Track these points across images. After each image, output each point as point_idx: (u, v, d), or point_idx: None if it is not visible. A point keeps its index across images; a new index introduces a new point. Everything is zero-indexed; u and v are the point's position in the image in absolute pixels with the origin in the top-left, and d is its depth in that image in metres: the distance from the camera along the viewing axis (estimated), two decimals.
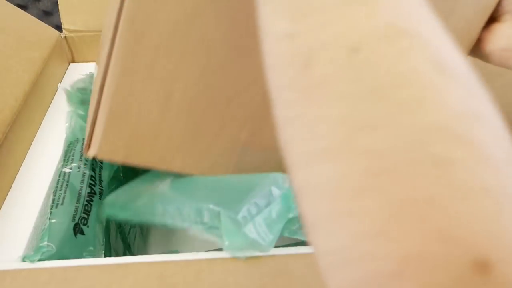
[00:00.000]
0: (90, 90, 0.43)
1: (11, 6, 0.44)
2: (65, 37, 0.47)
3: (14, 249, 0.32)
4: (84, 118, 0.44)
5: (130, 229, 0.46)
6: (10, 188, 0.36)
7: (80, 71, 0.47)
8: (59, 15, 0.46)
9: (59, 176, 0.36)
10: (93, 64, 0.49)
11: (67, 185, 0.36)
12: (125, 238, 0.45)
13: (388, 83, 0.12)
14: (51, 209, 0.34)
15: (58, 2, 0.47)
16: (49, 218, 0.34)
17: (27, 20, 0.45)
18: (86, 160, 0.38)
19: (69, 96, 0.42)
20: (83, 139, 0.39)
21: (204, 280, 0.26)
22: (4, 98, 0.37)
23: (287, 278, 0.26)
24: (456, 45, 0.14)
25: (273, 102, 0.15)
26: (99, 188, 0.38)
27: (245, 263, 0.27)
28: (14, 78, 0.39)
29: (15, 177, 0.37)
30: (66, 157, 0.37)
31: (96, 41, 0.48)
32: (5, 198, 0.35)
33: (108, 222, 0.41)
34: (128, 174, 0.48)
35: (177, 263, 0.28)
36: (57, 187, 0.35)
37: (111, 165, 0.41)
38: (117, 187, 0.44)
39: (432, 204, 0.11)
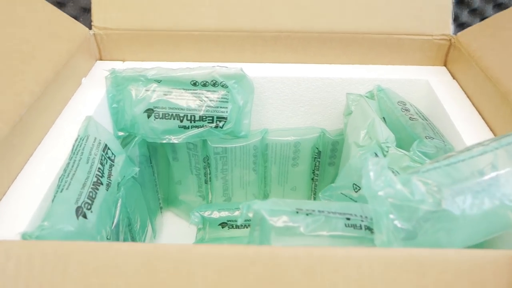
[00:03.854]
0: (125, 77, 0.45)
1: (44, 2, 0.46)
2: (93, 34, 0.48)
3: (16, 227, 0.31)
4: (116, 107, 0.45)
5: (139, 228, 0.46)
6: (22, 169, 0.36)
7: (105, 68, 0.48)
8: None
9: (67, 166, 0.36)
10: (119, 62, 0.50)
11: (74, 174, 0.35)
12: (134, 238, 0.44)
13: None
14: (55, 193, 0.34)
15: (92, 0, 0.48)
16: (53, 200, 0.34)
17: (58, 16, 0.46)
18: (95, 154, 0.38)
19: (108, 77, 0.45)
20: (95, 137, 0.39)
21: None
22: (25, 83, 0.38)
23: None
24: None
25: None
26: (107, 181, 0.37)
27: (246, 263, 0.26)
28: (38, 65, 0.40)
29: (28, 160, 0.37)
30: (76, 150, 0.37)
31: (124, 39, 0.49)
32: (15, 178, 0.35)
33: (118, 218, 0.40)
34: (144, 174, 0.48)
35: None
36: (63, 174, 0.35)
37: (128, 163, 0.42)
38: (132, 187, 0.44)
39: None
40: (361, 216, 0.31)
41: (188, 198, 0.56)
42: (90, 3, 0.47)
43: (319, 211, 0.30)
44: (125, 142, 0.49)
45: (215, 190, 0.54)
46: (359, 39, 0.47)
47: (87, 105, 0.43)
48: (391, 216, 0.27)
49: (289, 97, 0.49)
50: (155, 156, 0.52)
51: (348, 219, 0.30)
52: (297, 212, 0.30)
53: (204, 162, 0.51)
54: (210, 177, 0.53)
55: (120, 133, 0.48)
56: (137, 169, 0.44)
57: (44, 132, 0.40)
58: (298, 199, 0.56)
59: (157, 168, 0.54)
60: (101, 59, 0.51)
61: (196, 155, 0.52)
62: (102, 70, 0.47)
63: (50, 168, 0.36)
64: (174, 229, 0.56)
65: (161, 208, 0.56)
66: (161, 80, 0.45)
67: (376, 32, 0.47)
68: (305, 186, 0.55)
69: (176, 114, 0.46)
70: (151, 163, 0.51)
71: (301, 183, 0.55)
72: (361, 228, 0.30)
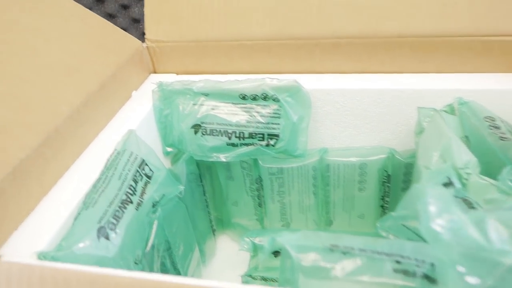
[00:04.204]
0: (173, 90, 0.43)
1: (95, 15, 0.45)
2: (147, 47, 0.47)
3: (37, 245, 0.30)
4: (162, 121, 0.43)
5: (182, 253, 0.42)
6: (55, 183, 0.35)
7: (157, 81, 0.46)
8: None
9: (98, 181, 0.34)
10: (173, 75, 0.48)
11: (103, 191, 0.33)
12: (174, 263, 0.41)
13: None
14: (80, 210, 0.32)
15: (145, 12, 0.47)
16: (76, 218, 0.32)
17: (110, 29, 0.45)
18: (129, 170, 0.35)
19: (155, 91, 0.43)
20: (132, 152, 0.37)
21: None
22: (65, 95, 0.37)
23: None
24: None
25: None
26: (138, 200, 0.35)
27: None
28: (81, 78, 0.39)
29: (63, 173, 0.35)
30: (110, 165, 0.35)
31: (176, 52, 0.47)
32: (47, 193, 0.34)
33: (153, 242, 0.37)
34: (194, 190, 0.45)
35: None
36: (92, 191, 0.33)
37: (168, 181, 0.39)
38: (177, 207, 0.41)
39: None
40: (416, 259, 0.24)
41: (244, 221, 0.52)
42: (140, 14, 0.46)
43: (360, 249, 0.24)
44: (175, 158, 0.47)
45: (271, 214, 0.49)
46: (435, 43, 0.40)
47: (132, 118, 0.42)
48: (460, 269, 0.20)
49: (352, 112, 0.43)
50: (207, 174, 0.49)
51: (398, 262, 0.24)
52: (332, 250, 0.24)
53: (257, 183, 0.47)
54: (264, 200, 0.48)
55: (169, 149, 0.45)
56: (181, 187, 0.41)
57: (84, 145, 0.38)
58: (366, 227, 0.49)
59: (209, 187, 0.50)
60: (155, 72, 0.49)
61: (250, 175, 0.47)
62: (154, 83, 0.46)
63: (81, 184, 0.34)
64: (228, 254, 0.52)
65: (214, 230, 0.53)
66: (208, 94, 0.42)
67: (456, 34, 0.40)
68: (374, 214, 0.48)
69: (224, 131, 0.42)
70: (201, 181, 0.48)
71: (369, 210, 0.48)
72: (415, 276, 0.23)
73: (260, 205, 0.49)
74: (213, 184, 0.51)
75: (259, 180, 0.46)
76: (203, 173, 0.48)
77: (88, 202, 0.33)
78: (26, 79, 0.36)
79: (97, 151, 0.38)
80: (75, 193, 0.34)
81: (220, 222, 0.54)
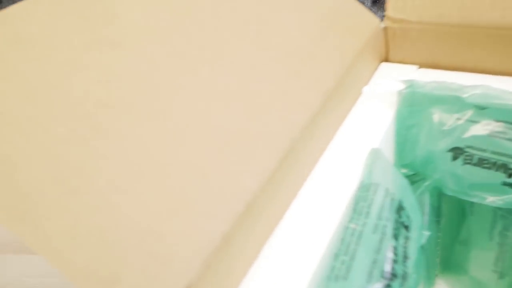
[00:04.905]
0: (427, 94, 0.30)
1: None
2: (384, 27, 0.35)
3: None
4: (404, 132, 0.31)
5: None
6: (276, 227, 0.25)
7: (393, 74, 0.34)
8: None
9: (345, 233, 0.23)
10: (414, 67, 0.36)
11: (355, 250, 0.23)
12: None
13: None
14: (327, 281, 0.22)
15: None
16: None
17: (348, 4, 0.34)
18: (387, 219, 0.24)
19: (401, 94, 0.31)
20: (387, 189, 0.25)
21: None
22: (301, 97, 0.27)
23: None
24: None
25: None
26: (403, 270, 0.23)
27: None
28: (317, 71, 0.28)
29: (286, 212, 0.25)
30: (358, 209, 0.24)
31: (425, 38, 0.34)
32: (265, 243, 0.24)
33: None
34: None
35: None
36: (340, 249, 0.23)
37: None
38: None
39: None
40: None
41: (480, 274, 0.39)
42: None
43: None
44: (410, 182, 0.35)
45: None
46: None
47: (369, 128, 0.30)
48: None
49: None
50: (446, 205, 0.36)
51: None
52: None
53: None
54: None
55: (403, 170, 0.34)
56: (427, 233, 0.29)
57: (312, 165, 0.28)
58: None
59: (444, 223, 0.38)
60: (387, 61, 0.37)
61: (504, 217, 0.34)
62: (389, 77, 0.34)
63: (319, 229, 0.24)
64: None
65: (436, 275, 0.40)
66: (486, 107, 0.29)
67: None
68: None
69: (502, 164, 0.29)
70: (438, 216, 0.36)
71: None
72: None
73: None
74: (448, 218, 0.38)
75: None
76: (443, 204, 0.36)
77: (337, 267, 0.22)
78: (259, 77, 0.27)
79: (331, 176, 0.27)
80: (314, 245, 0.23)
81: (443, 263, 0.41)
